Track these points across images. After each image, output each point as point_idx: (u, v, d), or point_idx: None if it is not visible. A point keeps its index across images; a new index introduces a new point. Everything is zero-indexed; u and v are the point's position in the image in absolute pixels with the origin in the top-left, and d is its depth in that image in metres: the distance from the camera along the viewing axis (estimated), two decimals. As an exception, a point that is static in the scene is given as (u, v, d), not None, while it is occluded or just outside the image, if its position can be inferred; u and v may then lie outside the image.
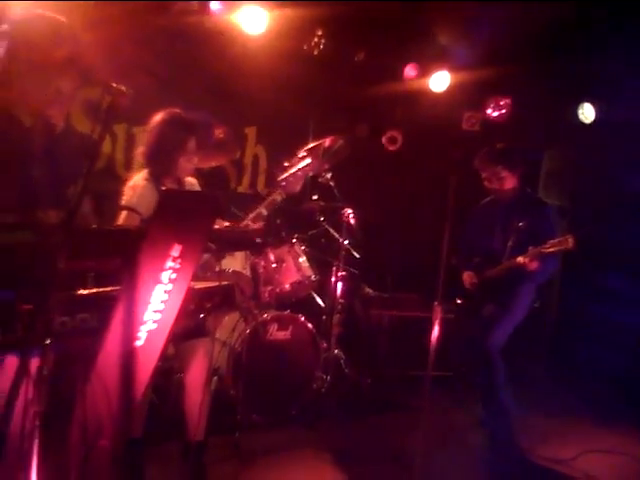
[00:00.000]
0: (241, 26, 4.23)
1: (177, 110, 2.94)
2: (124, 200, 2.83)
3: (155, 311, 2.03)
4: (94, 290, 1.93)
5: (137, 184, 2.84)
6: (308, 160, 3.20)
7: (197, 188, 3.11)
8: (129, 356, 2.00)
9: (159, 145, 2.87)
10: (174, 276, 2.02)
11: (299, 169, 3.18)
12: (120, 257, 1.97)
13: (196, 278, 2.26)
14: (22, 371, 1.57)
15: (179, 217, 1.95)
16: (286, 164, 3.26)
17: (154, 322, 2.03)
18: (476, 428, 4.08)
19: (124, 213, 2.77)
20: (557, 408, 4.82)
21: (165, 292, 2.02)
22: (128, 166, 4.37)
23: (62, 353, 1.86)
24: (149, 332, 2.03)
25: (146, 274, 1.97)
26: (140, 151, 2.95)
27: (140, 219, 2.70)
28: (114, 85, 1.83)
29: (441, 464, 3.42)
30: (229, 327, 3.90)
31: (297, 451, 3.62)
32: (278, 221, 4.14)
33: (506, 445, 3.81)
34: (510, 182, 3.90)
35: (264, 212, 3.11)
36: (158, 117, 2.91)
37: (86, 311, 1.92)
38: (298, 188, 3.28)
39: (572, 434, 4.26)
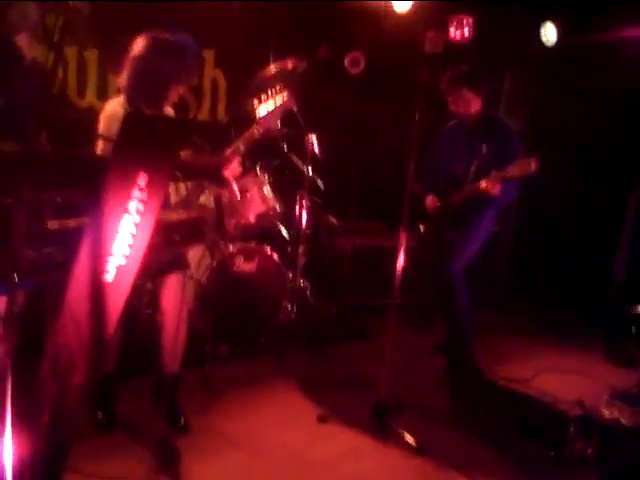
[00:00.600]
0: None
1: (163, 34, 2.68)
2: (101, 129, 2.64)
3: (124, 245, 1.93)
4: (59, 223, 1.82)
5: (116, 112, 2.64)
6: (285, 94, 3.04)
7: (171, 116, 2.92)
8: (99, 291, 1.91)
9: (147, 74, 2.63)
10: (142, 207, 1.91)
11: (278, 106, 3.04)
12: (85, 187, 1.85)
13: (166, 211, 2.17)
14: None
15: (145, 144, 1.83)
16: (263, 97, 3.08)
17: (123, 256, 1.94)
18: (439, 352, 4.19)
19: (102, 143, 2.59)
20: (519, 330, 5.00)
21: (133, 224, 1.92)
22: (81, 92, 4.13)
23: (30, 289, 1.78)
24: (118, 267, 1.94)
25: (112, 205, 1.86)
26: (124, 78, 2.70)
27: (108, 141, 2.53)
28: (70, 3, 1.66)
29: (405, 387, 3.51)
30: (194, 261, 3.82)
31: (266, 381, 3.66)
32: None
33: (468, 367, 3.93)
34: (475, 105, 3.84)
35: (242, 148, 2.98)
36: (143, 42, 2.65)
37: (52, 245, 1.83)
38: (276, 124, 3.16)
39: (532, 354, 4.45)
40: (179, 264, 2.85)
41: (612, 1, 4.81)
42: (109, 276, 1.94)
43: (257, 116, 2.99)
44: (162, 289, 2.90)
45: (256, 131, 2.95)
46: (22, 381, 1.69)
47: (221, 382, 3.51)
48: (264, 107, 3.02)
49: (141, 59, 2.64)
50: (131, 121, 1.85)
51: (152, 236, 1.98)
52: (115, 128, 2.47)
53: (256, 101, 3.04)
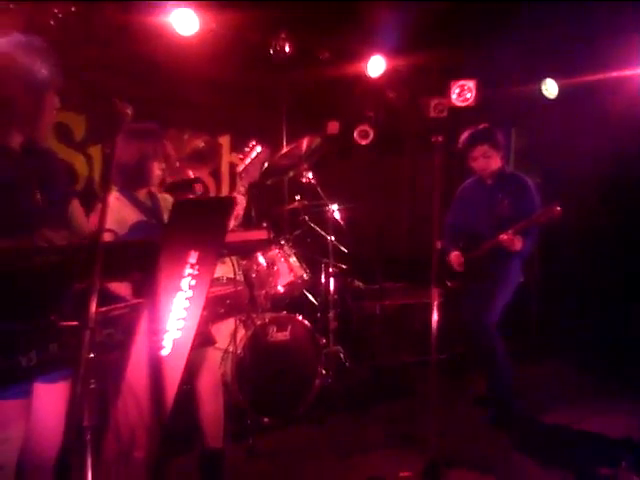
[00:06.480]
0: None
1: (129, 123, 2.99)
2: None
3: (178, 319, 2.05)
4: (117, 306, 1.95)
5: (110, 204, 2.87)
6: (259, 148, 3.33)
7: (169, 202, 3.11)
8: (157, 365, 2.02)
9: (127, 158, 2.86)
10: (193, 282, 2.04)
11: (253, 158, 3.33)
12: (139, 270, 1.99)
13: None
14: (77, 388, 1.58)
15: (194, 224, 1.98)
16: (240, 156, 3.40)
17: (178, 330, 2.06)
18: (480, 404, 4.19)
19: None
20: (557, 376, 4.99)
21: (186, 299, 2.05)
22: (106, 187, 4.36)
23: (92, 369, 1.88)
24: (174, 340, 2.06)
25: (166, 283, 1.99)
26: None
27: (113, 234, 2.69)
28: (118, 101, 1.86)
29: (453, 442, 3.49)
30: (227, 334, 3.92)
31: (311, 448, 3.66)
32: (265, 224, 4.19)
33: (514, 416, 3.94)
34: (495, 161, 4.01)
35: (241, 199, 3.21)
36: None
37: (111, 326, 1.94)
38: (257, 175, 3.41)
39: (574, 399, 4.42)
40: (209, 339, 2.94)
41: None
42: (166, 350, 2.05)
43: (239, 171, 3.30)
44: (196, 364, 2.98)
45: (241, 186, 3.16)
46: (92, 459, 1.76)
47: (266, 453, 3.52)
48: (243, 163, 3.33)
49: (120, 148, 2.85)
50: (180, 206, 2.02)
51: (204, 308, 2.10)
52: (111, 219, 2.65)
53: (238, 161, 3.41)
